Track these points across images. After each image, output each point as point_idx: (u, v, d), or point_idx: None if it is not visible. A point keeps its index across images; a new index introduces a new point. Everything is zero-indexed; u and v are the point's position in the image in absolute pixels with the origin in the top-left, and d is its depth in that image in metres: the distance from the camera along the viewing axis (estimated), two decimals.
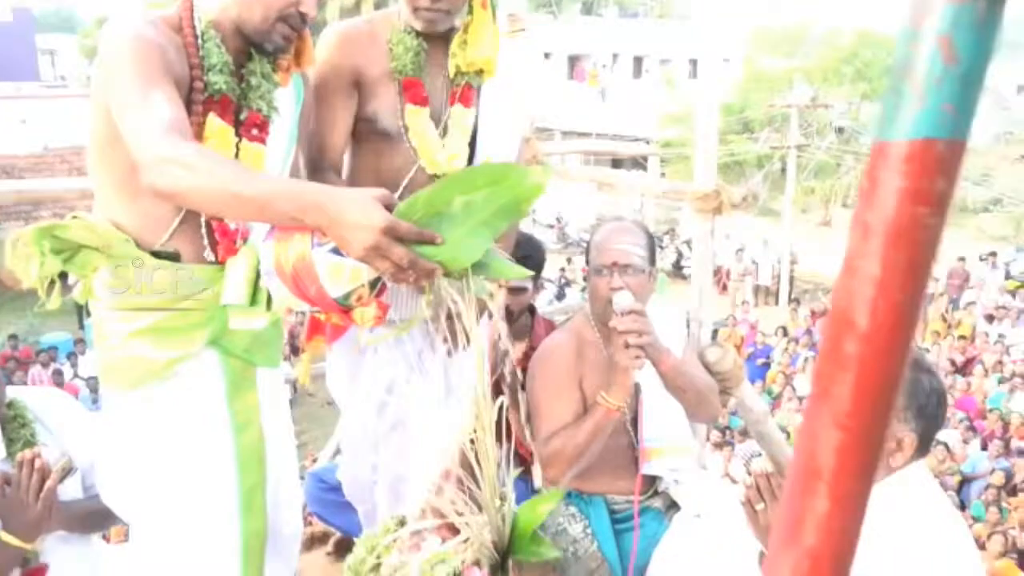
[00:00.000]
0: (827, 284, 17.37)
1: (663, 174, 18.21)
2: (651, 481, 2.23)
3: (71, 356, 11.48)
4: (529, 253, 2.45)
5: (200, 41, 1.51)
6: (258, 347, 1.69)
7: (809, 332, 13.30)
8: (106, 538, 2.14)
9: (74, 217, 1.51)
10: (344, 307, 1.29)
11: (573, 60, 26.45)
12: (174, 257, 1.54)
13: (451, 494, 1.34)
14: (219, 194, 1.25)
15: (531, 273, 1.60)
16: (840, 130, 20.71)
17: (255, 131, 1.57)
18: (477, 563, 1.33)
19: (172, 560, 1.65)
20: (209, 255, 1.57)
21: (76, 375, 10.81)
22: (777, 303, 16.43)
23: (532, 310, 2.64)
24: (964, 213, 19.73)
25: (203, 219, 1.55)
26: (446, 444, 1.38)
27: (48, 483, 1.67)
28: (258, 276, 1.49)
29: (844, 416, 0.45)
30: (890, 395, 0.45)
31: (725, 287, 15.52)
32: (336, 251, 1.22)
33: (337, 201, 1.15)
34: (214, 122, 1.50)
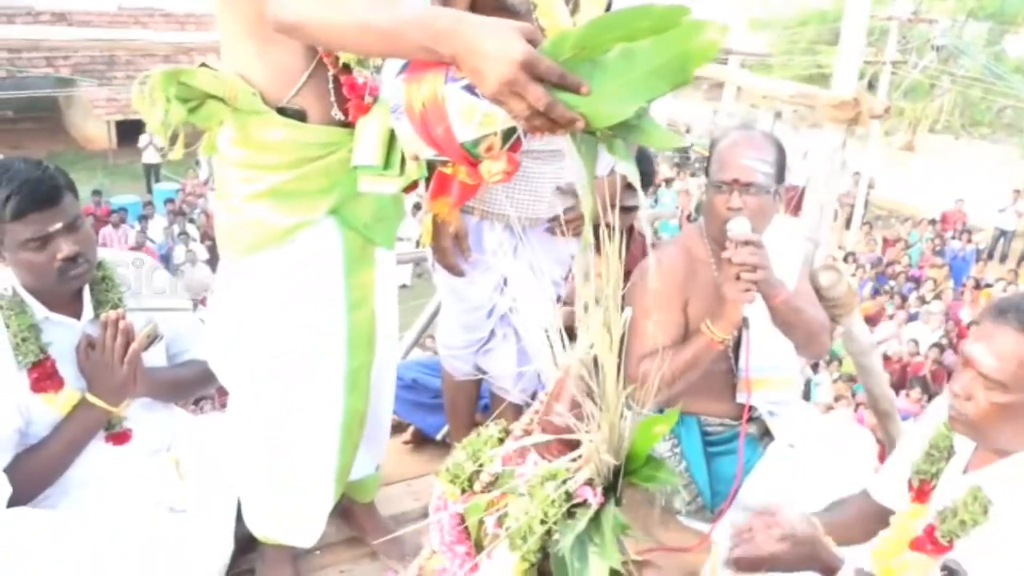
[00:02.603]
0: (902, 212, 16.63)
1: (738, 88, 17.29)
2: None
3: (141, 219, 11.69)
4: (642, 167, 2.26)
5: None
6: (378, 223, 1.59)
7: (880, 260, 12.83)
8: None
9: (202, 65, 1.40)
10: (471, 156, 1.18)
11: None
12: (300, 115, 1.43)
13: (567, 408, 1.23)
14: (346, 24, 1.12)
15: (686, 143, 1.42)
16: (939, 49, 19.32)
17: None
18: (589, 482, 1.22)
19: (271, 430, 1.61)
20: (337, 114, 1.45)
21: (148, 239, 11.01)
22: (848, 227, 15.80)
23: (629, 228, 2.46)
24: None
25: (331, 74, 1.43)
26: (566, 354, 1.26)
27: (133, 346, 1.64)
28: (392, 139, 1.36)
29: None
30: None
31: (798, 207, 14.90)
32: (471, 89, 1.09)
33: (475, 28, 1.02)
34: None
